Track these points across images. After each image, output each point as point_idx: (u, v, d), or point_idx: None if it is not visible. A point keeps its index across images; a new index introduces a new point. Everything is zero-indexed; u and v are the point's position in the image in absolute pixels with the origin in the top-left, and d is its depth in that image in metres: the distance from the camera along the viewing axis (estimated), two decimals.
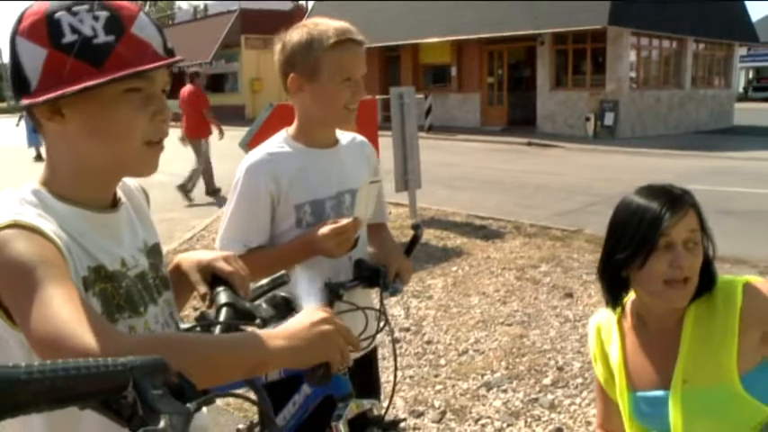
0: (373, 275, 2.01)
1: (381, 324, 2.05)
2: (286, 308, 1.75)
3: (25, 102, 1.10)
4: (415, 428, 3.59)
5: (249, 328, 1.24)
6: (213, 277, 1.34)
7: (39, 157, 16.64)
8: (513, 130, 20.96)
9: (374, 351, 2.29)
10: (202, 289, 1.33)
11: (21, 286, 0.99)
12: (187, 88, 11.76)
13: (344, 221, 1.91)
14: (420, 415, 3.72)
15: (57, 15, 1.10)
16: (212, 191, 11.75)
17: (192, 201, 11.24)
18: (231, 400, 3.97)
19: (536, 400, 3.82)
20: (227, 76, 35.91)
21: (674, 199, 1.67)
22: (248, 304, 1.30)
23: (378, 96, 13.72)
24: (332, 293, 1.91)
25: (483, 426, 3.57)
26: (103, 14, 1.12)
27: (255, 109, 28.18)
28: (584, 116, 19.88)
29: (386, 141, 8.73)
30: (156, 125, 1.20)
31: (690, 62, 22.91)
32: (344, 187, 2.08)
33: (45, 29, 1.10)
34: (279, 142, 2.05)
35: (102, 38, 1.10)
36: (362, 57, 1.98)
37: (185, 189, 11.33)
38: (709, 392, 1.67)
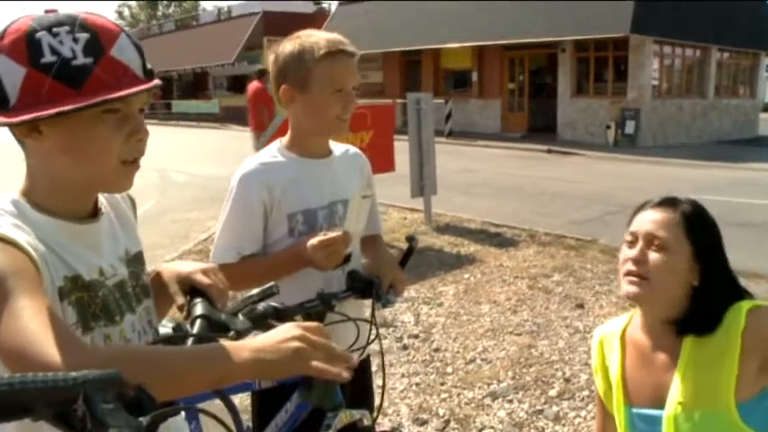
0: (366, 287, 2.01)
1: (372, 335, 2.04)
2: (276, 317, 1.77)
3: (2, 120, 1.11)
4: None
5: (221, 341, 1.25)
6: (192, 289, 1.36)
7: None
8: (534, 137, 20.87)
9: (367, 361, 2.29)
10: (180, 300, 1.35)
11: None
12: (253, 85, 12.39)
13: (333, 234, 1.91)
14: (424, 423, 3.71)
15: (37, 35, 1.11)
16: None
17: None
18: (236, 402, 3.99)
19: (541, 411, 3.79)
20: (250, 78, 36.12)
21: (660, 201, 1.72)
22: (224, 316, 1.30)
23: (398, 101, 13.76)
24: (324, 304, 1.91)
25: None
26: (83, 36, 1.13)
27: (277, 111, 28.34)
28: (604, 124, 19.75)
29: (402, 145, 8.75)
30: (132, 145, 1.21)
31: (713, 71, 22.69)
32: (337, 197, 2.09)
33: (25, 48, 1.11)
34: (272, 152, 2.07)
35: (80, 60, 1.11)
36: (354, 68, 1.99)
37: None
38: (705, 417, 1.63)
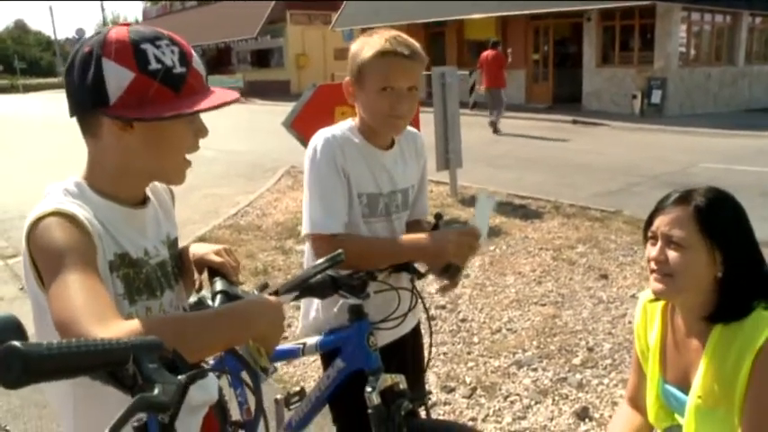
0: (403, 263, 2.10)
1: (413, 304, 2.14)
2: (332, 286, 1.94)
3: (112, 114, 1.30)
4: (445, 403, 3.72)
5: None
6: (210, 269, 1.56)
7: None
8: (558, 108, 20.74)
9: (418, 325, 2.42)
10: (194, 277, 1.60)
11: (51, 269, 1.19)
12: (490, 52, 15.85)
13: (471, 229, 1.98)
14: (451, 390, 3.85)
15: (142, 46, 1.31)
16: (495, 130, 16.01)
17: (500, 132, 16.04)
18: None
19: (565, 379, 3.91)
20: (273, 52, 36.21)
21: (677, 197, 1.75)
22: (240, 290, 1.49)
23: (422, 73, 13.78)
24: (367, 274, 2.02)
25: (511, 402, 3.69)
26: (176, 49, 1.35)
27: (301, 84, 28.41)
28: (630, 94, 19.56)
29: (428, 118, 8.78)
30: (196, 142, 1.43)
31: (744, 37, 22.21)
32: (397, 187, 2.16)
33: (132, 56, 1.30)
34: (346, 129, 2.10)
35: (178, 69, 1.33)
36: (407, 69, 1.99)
37: (495, 126, 16.15)
38: (716, 417, 1.72)
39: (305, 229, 2.06)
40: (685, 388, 1.82)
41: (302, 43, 33.18)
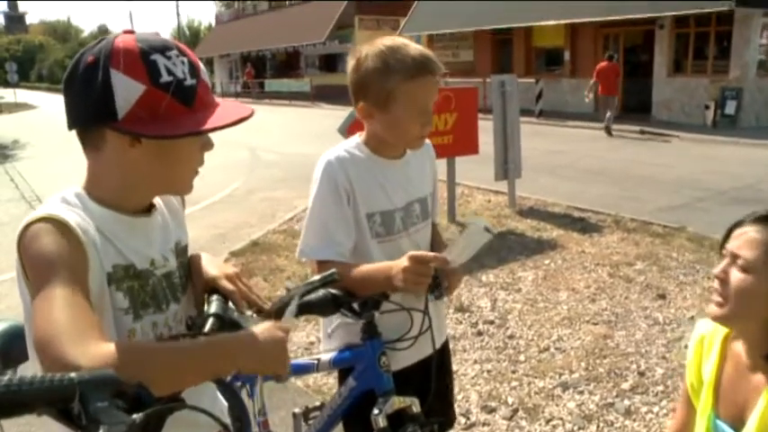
0: None
1: (423, 327, 2.00)
2: (334, 304, 1.85)
3: (122, 129, 1.24)
4: (484, 424, 3.62)
5: None
6: (212, 288, 1.45)
7: None
8: (627, 118, 20.13)
9: (446, 344, 2.31)
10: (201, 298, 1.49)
11: (38, 280, 1.14)
12: (606, 63, 17.04)
13: (428, 254, 1.81)
14: (492, 411, 3.74)
15: (152, 57, 1.24)
16: (609, 133, 16.98)
17: (613, 134, 17.02)
18: (311, 381, 4.14)
19: (612, 404, 3.75)
20: (341, 56, 36.49)
21: (757, 216, 1.60)
22: (236, 315, 1.39)
23: (488, 80, 13.57)
24: (380, 293, 1.95)
25: (553, 427, 3.55)
26: (186, 60, 1.28)
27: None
28: (702, 104, 18.87)
29: (486, 125, 8.64)
30: (203, 155, 1.37)
31: None
32: (413, 197, 2.08)
33: (143, 67, 1.23)
34: (353, 145, 2.04)
35: (189, 81, 1.27)
36: (437, 85, 1.93)
37: (609, 130, 17.01)
38: None
39: (297, 254, 2.04)
40: (738, 426, 1.68)
41: None
